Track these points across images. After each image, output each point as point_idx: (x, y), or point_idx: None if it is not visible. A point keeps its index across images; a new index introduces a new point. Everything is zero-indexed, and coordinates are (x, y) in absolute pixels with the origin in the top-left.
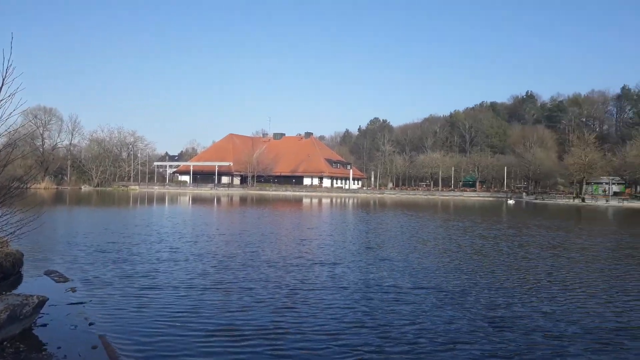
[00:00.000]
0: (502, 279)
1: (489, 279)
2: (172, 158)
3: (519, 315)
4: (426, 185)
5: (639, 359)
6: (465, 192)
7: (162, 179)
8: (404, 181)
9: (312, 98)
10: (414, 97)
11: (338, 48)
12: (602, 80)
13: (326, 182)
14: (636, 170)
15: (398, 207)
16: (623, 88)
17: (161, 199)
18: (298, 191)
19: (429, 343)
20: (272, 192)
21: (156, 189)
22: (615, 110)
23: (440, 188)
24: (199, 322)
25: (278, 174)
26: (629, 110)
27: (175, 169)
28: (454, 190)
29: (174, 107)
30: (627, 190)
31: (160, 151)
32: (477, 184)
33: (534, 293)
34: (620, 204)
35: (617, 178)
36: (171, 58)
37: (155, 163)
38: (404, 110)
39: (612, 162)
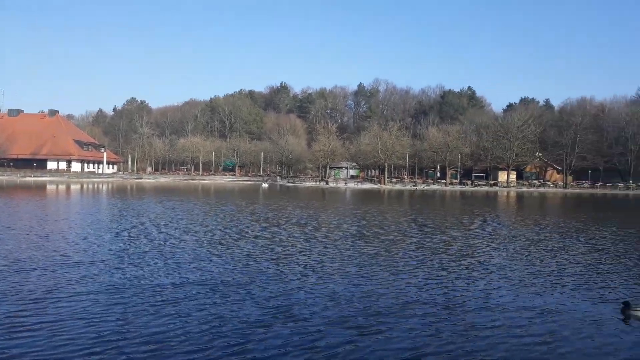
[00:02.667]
0: (278, 264)
1: (266, 265)
2: None
3: (303, 302)
4: (187, 169)
5: (404, 338)
6: (225, 176)
7: None
8: (164, 165)
9: (57, 72)
10: (174, 80)
11: (89, 19)
12: (343, 77)
13: (76, 166)
14: (368, 156)
15: (159, 192)
16: (359, 85)
17: None
18: (41, 176)
19: (220, 345)
20: (6, 177)
21: None
22: (353, 104)
23: (201, 172)
24: None
25: (15, 156)
26: (363, 104)
27: None
28: (214, 175)
29: None
30: (361, 174)
31: None
32: (237, 168)
33: (309, 276)
34: (356, 186)
35: (354, 163)
36: None
37: None
38: (164, 92)
39: (349, 149)
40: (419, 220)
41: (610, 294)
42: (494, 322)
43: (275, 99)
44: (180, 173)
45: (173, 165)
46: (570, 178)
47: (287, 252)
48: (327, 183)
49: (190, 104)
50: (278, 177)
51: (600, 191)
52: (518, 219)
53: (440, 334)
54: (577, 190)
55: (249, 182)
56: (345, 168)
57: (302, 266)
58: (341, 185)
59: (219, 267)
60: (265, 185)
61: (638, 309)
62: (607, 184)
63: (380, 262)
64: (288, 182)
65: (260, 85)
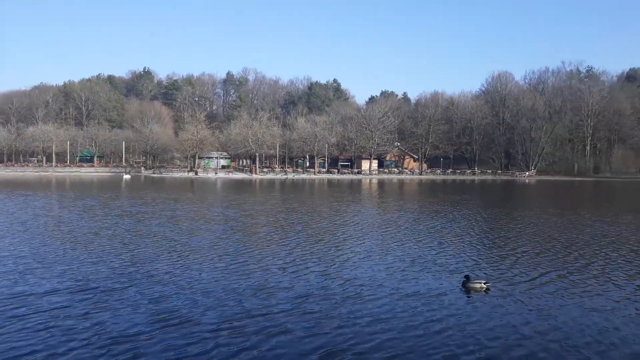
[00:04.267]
0: (155, 264)
1: (141, 266)
2: None
3: (188, 304)
4: (38, 160)
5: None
6: (82, 168)
7: None
8: (9, 156)
9: None
10: (20, 61)
11: None
12: (211, 64)
13: None
14: (238, 146)
15: (5, 186)
16: (228, 73)
17: None
18: None
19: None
20: None
21: None
22: (222, 92)
23: (54, 164)
24: None
25: None
26: (233, 93)
27: None
28: (70, 166)
29: None
30: (232, 164)
31: None
32: (95, 159)
33: (190, 275)
34: (227, 176)
35: (224, 153)
36: None
37: None
38: (8, 76)
39: (219, 138)
40: (295, 209)
41: (473, 271)
42: (377, 310)
43: (138, 85)
44: (30, 165)
45: (21, 157)
46: (425, 165)
47: (162, 249)
48: (196, 173)
49: (41, 89)
50: (142, 168)
51: (450, 177)
52: (385, 204)
53: (333, 327)
54: (431, 177)
55: (109, 174)
56: (216, 158)
57: (181, 264)
58: (211, 175)
59: (88, 270)
60: (127, 176)
61: (476, 281)
62: (457, 171)
63: (263, 254)
64: (154, 173)
65: (121, 70)
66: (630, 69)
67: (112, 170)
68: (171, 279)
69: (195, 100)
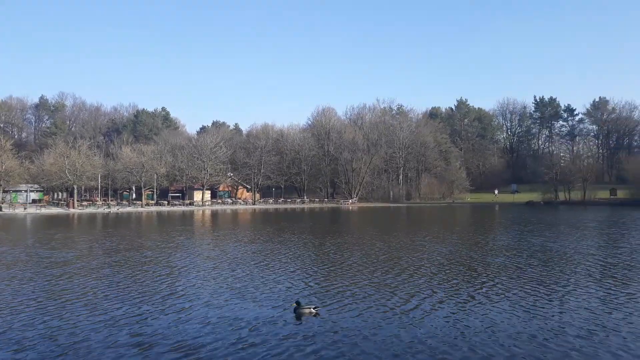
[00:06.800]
0: None
1: None
2: None
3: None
4: None
5: None
6: None
7: None
8: None
9: None
10: None
11: None
12: (21, 87)
13: None
14: (53, 177)
15: None
16: (41, 98)
17: None
18: None
19: None
20: None
21: None
22: (34, 118)
23: None
24: None
25: None
26: (47, 120)
27: None
28: None
29: None
30: (46, 198)
31: None
32: None
33: (28, 333)
34: (39, 211)
35: (36, 186)
36: None
37: None
38: None
39: (30, 169)
40: (138, 246)
41: (303, 297)
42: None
43: None
44: None
45: None
46: (258, 195)
47: None
48: (0, 209)
49: None
50: None
51: (282, 206)
52: (229, 236)
53: None
54: (264, 206)
55: None
56: (25, 191)
57: (14, 317)
58: (19, 211)
59: None
60: None
61: (305, 307)
62: (288, 200)
63: (117, 301)
64: None
65: None
66: (432, 108)
67: None
68: (8, 338)
69: (0, 126)
